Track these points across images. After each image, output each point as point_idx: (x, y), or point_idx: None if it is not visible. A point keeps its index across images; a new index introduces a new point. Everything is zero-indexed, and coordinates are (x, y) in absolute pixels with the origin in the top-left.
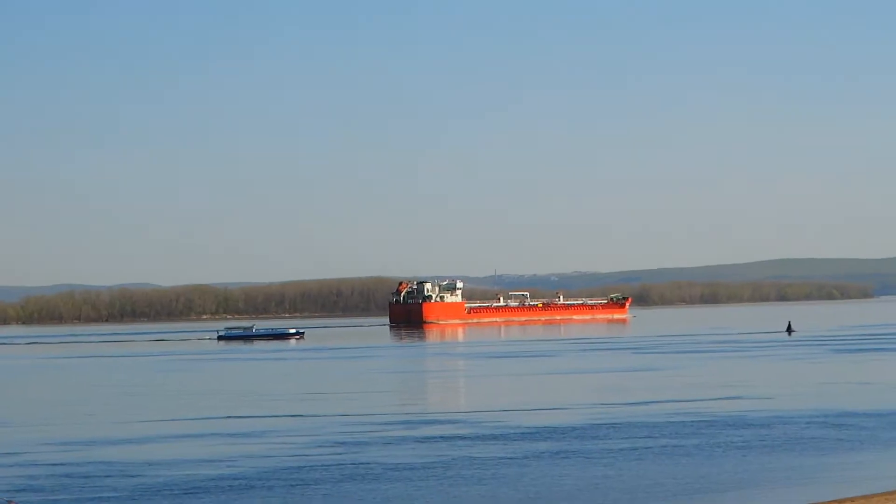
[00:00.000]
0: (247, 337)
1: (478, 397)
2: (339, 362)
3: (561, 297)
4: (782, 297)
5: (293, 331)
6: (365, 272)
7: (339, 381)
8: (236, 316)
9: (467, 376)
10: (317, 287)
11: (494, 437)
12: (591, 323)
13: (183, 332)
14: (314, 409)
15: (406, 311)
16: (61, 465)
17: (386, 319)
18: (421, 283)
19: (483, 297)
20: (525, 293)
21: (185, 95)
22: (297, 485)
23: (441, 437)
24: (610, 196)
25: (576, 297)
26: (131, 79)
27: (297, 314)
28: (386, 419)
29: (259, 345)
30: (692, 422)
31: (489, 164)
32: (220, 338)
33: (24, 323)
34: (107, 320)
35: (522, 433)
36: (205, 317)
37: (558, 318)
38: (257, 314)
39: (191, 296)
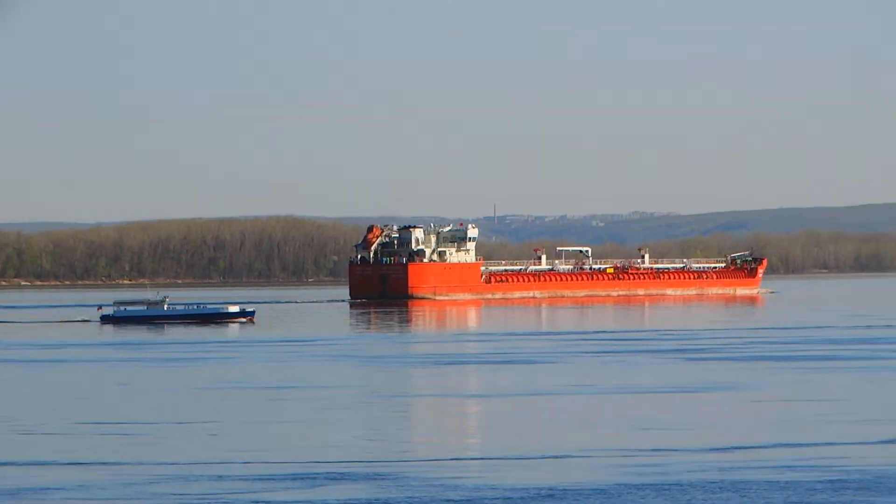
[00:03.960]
0: (152, 318)
1: (464, 434)
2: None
3: (646, 257)
4: None
5: (236, 309)
6: (266, 209)
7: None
8: (38, 282)
9: (458, 395)
10: (179, 233)
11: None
12: (697, 301)
13: None
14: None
15: (379, 276)
16: None
17: (325, 291)
18: (406, 230)
19: (496, 254)
20: (583, 249)
21: None
22: None
23: (350, 501)
24: (684, 90)
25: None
26: None
27: (146, 279)
28: (267, 469)
29: (175, 332)
30: (809, 482)
31: (471, 42)
32: (105, 319)
33: None
34: None
35: (499, 497)
36: None
37: (641, 292)
38: (74, 278)
39: None
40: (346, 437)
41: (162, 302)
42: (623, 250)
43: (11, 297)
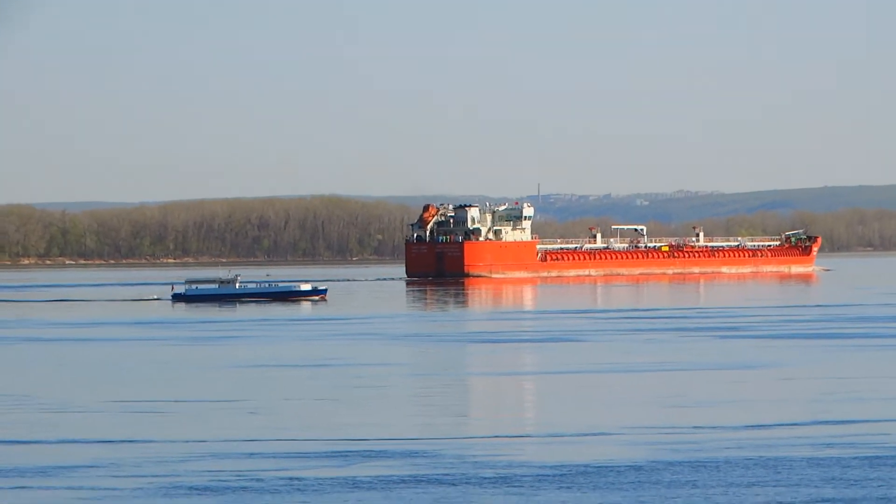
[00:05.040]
0: (224, 297)
1: (502, 412)
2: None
3: (701, 235)
4: None
5: (309, 287)
6: (310, 188)
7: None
8: (83, 261)
9: (499, 374)
10: (224, 212)
11: (482, 482)
12: (751, 278)
13: (44, 287)
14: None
15: (435, 254)
16: None
17: (374, 269)
18: (462, 209)
19: (544, 232)
20: (638, 227)
21: None
22: None
23: (382, 478)
24: (726, 68)
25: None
26: None
27: (190, 258)
28: (301, 447)
29: (247, 311)
30: (845, 458)
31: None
32: (177, 298)
33: None
34: None
35: (532, 475)
36: (26, 261)
37: (696, 270)
38: (118, 257)
39: (2, 225)
40: (385, 414)
41: (234, 280)
42: (668, 229)
43: (60, 275)
